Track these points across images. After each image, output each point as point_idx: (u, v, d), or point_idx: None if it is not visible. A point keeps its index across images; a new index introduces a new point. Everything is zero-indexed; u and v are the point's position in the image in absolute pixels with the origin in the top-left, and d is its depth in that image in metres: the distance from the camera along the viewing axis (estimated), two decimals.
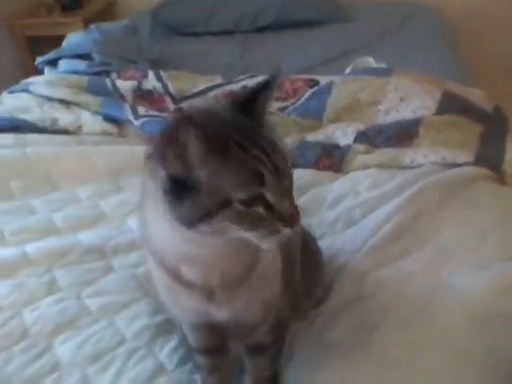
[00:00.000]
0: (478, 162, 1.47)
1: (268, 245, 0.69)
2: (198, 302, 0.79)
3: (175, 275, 0.77)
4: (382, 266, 1.18)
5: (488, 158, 1.49)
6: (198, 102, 0.66)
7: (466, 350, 0.96)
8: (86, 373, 1.01)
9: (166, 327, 1.10)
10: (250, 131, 0.66)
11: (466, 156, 1.49)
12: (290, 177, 0.68)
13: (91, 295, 1.19)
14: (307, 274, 1.05)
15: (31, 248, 1.32)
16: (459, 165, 1.46)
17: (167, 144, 0.63)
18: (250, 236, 0.67)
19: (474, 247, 1.20)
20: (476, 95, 1.78)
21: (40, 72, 2.34)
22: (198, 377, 0.98)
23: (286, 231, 0.67)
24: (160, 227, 0.71)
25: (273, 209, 0.65)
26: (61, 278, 1.24)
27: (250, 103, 0.70)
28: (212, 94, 1.93)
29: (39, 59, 2.29)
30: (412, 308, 1.07)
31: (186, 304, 0.82)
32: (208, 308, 0.81)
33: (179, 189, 0.64)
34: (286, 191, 0.67)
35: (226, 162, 0.63)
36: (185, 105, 1.92)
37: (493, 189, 1.40)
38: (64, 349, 1.06)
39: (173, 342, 1.07)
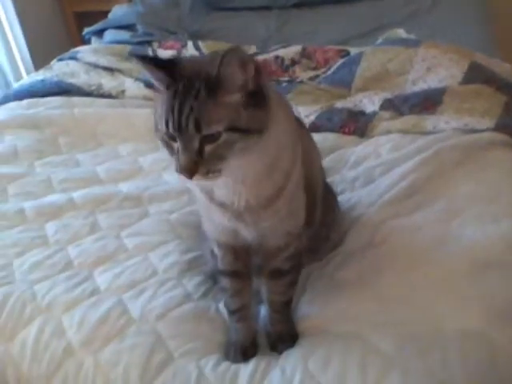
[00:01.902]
0: (499, 128, 1.51)
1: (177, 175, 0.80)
2: (228, 220, 0.91)
3: (211, 196, 0.90)
4: (395, 217, 1.26)
5: (509, 125, 1.53)
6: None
7: (464, 292, 1.03)
8: (121, 298, 1.13)
9: (195, 264, 1.21)
10: (190, 86, 0.75)
11: (487, 122, 1.53)
12: (203, 144, 0.76)
13: (128, 235, 1.32)
14: (326, 218, 1.14)
15: (76, 195, 1.46)
16: (480, 131, 1.51)
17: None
18: None
19: (486, 204, 1.25)
20: (504, 67, 1.81)
21: (87, 43, 2.48)
22: (221, 304, 1.09)
23: (183, 175, 0.78)
24: None
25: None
26: (102, 221, 1.37)
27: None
28: None
29: (86, 30, 2.44)
30: (419, 255, 1.14)
31: (218, 222, 0.94)
32: (237, 226, 0.93)
33: None
34: (187, 150, 0.76)
35: (161, 99, 0.78)
36: None
37: (511, 154, 1.45)
38: (103, 278, 1.18)
39: (200, 277, 1.19)
